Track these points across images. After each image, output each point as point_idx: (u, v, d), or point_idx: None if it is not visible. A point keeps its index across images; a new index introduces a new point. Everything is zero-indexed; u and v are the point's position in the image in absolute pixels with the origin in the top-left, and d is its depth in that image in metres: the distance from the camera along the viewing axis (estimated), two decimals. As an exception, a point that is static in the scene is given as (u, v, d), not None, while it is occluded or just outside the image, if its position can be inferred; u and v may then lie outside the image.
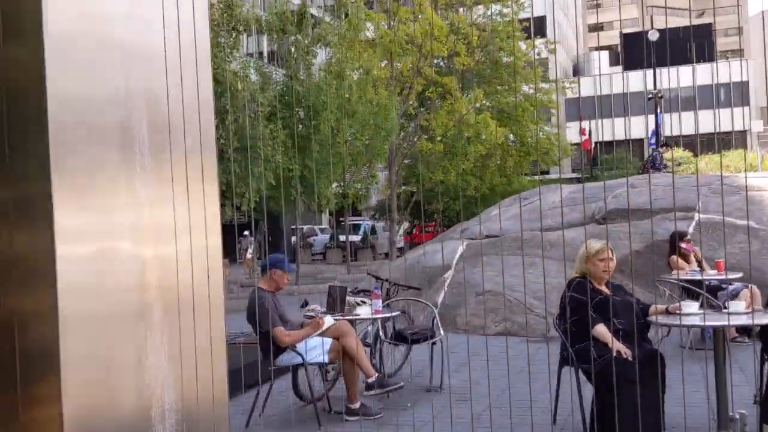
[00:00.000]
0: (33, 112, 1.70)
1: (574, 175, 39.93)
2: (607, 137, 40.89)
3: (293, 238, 28.43)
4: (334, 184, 18.38)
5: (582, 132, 33.36)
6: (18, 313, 1.97)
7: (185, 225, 2.09)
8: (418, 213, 26.86)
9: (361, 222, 32.39)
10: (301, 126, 16.88)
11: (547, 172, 39.61)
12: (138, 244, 2.07)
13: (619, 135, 39.84)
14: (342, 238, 27.28)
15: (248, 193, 14.41)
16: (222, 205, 14.47)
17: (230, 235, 23.55)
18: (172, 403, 2.06)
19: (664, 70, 35.00)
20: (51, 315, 1.88)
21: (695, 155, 32.40)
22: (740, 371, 6.25)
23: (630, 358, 4.53)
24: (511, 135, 28.05)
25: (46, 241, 1.82)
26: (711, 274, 7.79)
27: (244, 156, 14.23)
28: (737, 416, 4.64)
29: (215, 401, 2.21)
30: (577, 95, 40.06)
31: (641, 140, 42.21)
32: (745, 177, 11.82)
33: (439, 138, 24.20)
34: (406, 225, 29.99)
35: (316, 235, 33.52)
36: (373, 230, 30.84)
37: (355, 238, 28.79)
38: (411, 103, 24.06)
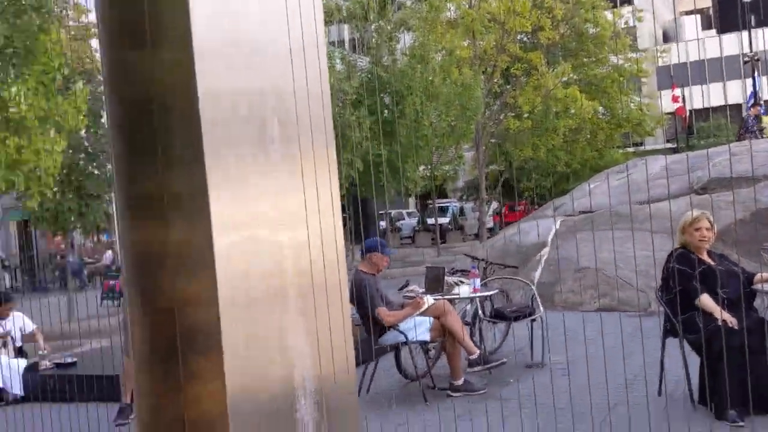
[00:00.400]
0: (186, 111, 1.84)
1: (669, 146, 38.55)
2: (703, 104, 39.28)
3: (382, 223, 28.79)
4: (421, 167, 18.49)
5: (674, 99, 32.13)
6: (177, 299, 2.16)
7: (314, 212, 2.27)
8: (507, 192, 26.64)
9: (448, 204, 32.36)
10: (386, 111, 17.08)
11: (641, 144, 38.42)
12: (274, 231, 2.25)
13: (715, 101, 38.17)
14: (430, 221, 27.38)
15: (340, 179, 14.73)
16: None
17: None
18: (310, 376, 2.24)
19: (760, 31, 33.21)
20: (212, 299, 2.05)
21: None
22: None
23: (736, 328, 4.48)
24: (601, 108, 27.36)
25: (205, 232, 1.99)
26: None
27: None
28: None
29: (346, 373, 2.40)
30: (669, 63, 38.54)
31: (739, 105, 40.28)
32: None
33: (526, 115, 23.89)
34: (495, 205, 29.78)
35: (404, 219, 33.73)
36: (462, 211, 30.75)
37: (444, 220, 28.79)
38: (496, 81, 23.83)
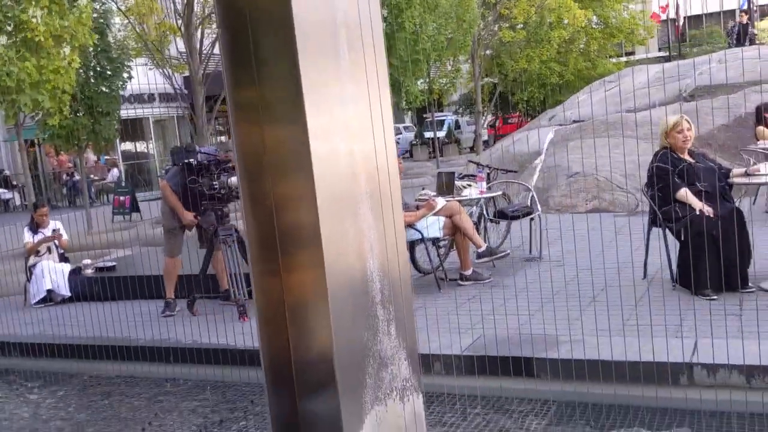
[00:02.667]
0: (281, 26, 2.30)
1: (661, 54, 38.60)
2: (696, 11, 39.10)
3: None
4: (420, 81, 18.79)
5: (663, 9, 32.06)
6: (277, 197, 2.66)
7: (378, 120, 2.84)
8: (502, 105, 26.97)
9: (444, 117, 32.69)
10: (384, 24, 17.27)
11: (633, 53, 38.43)
12: (349, 139, 2.75)
13: (707, 8, 37.99)
14: (427, 134, 27.76)
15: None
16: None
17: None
18: (377, 267, 2.81)
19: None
20: (311, 199, 2.60)
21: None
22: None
23: (713, 216, 5.15)
24: (594, 17, 27.45)
25: (301, 136, 2.47)
26: (796, 142, 8.11)
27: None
28: (811, 262, 5.24)
29: (402, 265, 3.01)
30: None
31: (733, 11, 40.05)
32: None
33: (520, 26, 24.04)
34: (489, 117, 30.14)
35: (401, 133, 34.12)
36: (457, 125, 31.12)
37: (440, 133, 29.23)
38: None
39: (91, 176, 20.86)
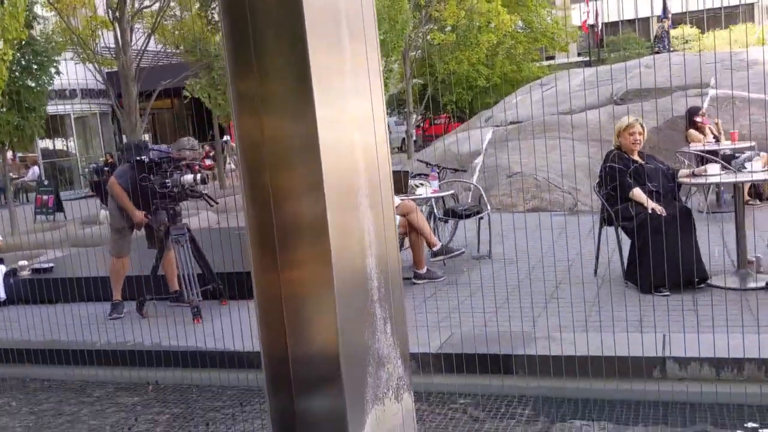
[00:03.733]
0: (291, 21, 2.26)
1: (581, 59, 39.80)
2: (614, 17, 40.54)
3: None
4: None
5: (588, 15, 33.16)
6: (276, 189, 2.59)
7: (380, 113, 2.83)
8: (430, 106, 27.22)
9: (373, 117, 32.66)
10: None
11: (553, 57, 39.50)
12: (350, 130, 2.73)
13: (623, 15, 39.44)
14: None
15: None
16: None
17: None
18: (375, 264, 2.79)
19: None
20: (319, 190, 2.54)
21: (703, 32, 32.33)
22: (753, 227, 7.09)
23: (663, 215, 5.35)
24: (520, 22, 28.06)
25: (310, 128, 2.41)
26: (726, 144, 8.52)
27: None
28: (754, 258, 5.51)
29: (394, 259, 3.03)
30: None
31: (647, 18, 41.66)
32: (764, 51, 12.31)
33: (448, 28, 24.33)
34: (417, 118, 30.40)
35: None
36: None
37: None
38: (421, -7, 24.08)
39: (10, 174, 19.96)
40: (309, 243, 2.47)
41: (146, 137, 22.59)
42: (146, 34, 13.43)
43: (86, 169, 21.96)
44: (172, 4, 13.82)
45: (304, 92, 2.33)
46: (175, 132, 24.79)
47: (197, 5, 15.17)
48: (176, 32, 15.37)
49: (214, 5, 15.15)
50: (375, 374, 2.91)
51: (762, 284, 5.14)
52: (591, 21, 34.78)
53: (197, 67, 14.25)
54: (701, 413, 3.51)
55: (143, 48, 12.62)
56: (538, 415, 3.66)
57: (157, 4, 13.59)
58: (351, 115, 2.63)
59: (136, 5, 12.94)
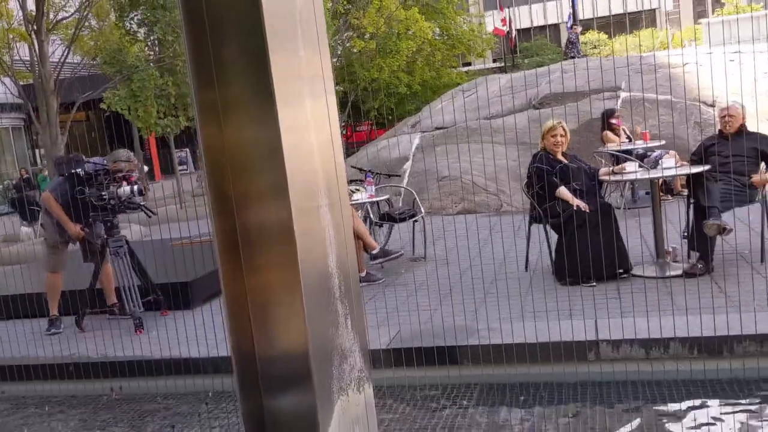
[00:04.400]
0: (251, 27, 2.43)
1: (497, 65, 40.88)
2: (525, 24, 41.86)
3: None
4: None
5: (503, 22, 34.17)
6: (239, 194, 2.73)
7: (334, 115, 3.02)
8: (352, 113, 27.46)
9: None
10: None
11: (470, 63, 40.43)
12: (308, 133, 2.91)
13: (537, 21, 40.83)
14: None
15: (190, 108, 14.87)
16: (174, 116, 14.94)
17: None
18: (335, 263, 2.98)
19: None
20: (283, 194, 2.70)
21: (610, 37, 33.85)
22: (667, 221, 7.58)
23: (588, 210, 5.70)
24: (438, 29, 28.67)
25: (273, 132, 2.59)
26: (639, 144, 9.05)
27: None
28: (671, 249, 5.93)
29: (352, 260, 3.22)
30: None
31: (557, 25, 43.13)
32: (668, 55, 13.06)
33: (367, 35, 24.65)
34: (340, 125, 30.56)
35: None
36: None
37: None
38: (340, 1, 24.32)
39: None
40: (275, 247, 2.63)
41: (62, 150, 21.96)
42: (64, 46, 13.16)
43: (1, 186, 21.19)
44: (89, 15, 13.57)
45: (265, 98, 2.47)
46: (92, 145, 24.16)
47: (114, 16, 14.95)
48: (92, 43, 15.08)
49: (133, 15, 14.97)
50: (339, 367, 3.09)
51: (679, 272, 5.54)
52: (505, 28, 35.82)
53: (118, 79, 14.04)
54: (635, 390, 3.81)
55: (62, 60, 12.36)
56: (485, 401, 3.89)
57: (76, 15, 13.33)
58: (308, 118, 2.80)
59: (52, 17, 12.66)
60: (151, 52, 14.84)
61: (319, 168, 3.25)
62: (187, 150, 25.11)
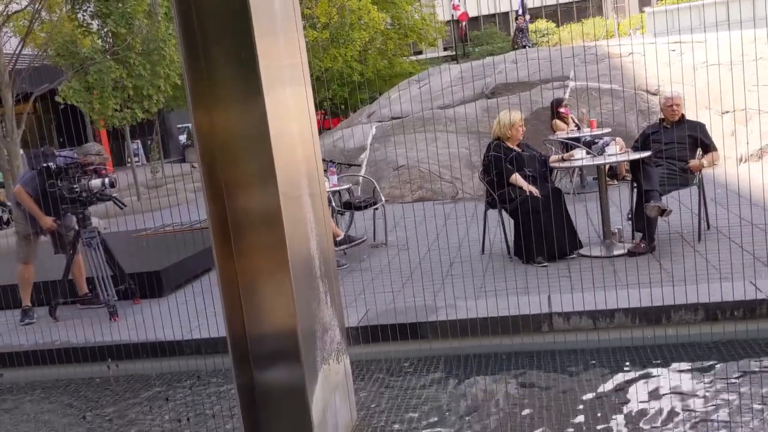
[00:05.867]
0: (241, 25, 2.39)
1: (448, 53, 41.32)
2: (473, 13, 42.38)
3: (181, 137, 29.01)
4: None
5: (455, 8, 34.57)
6: (229, 180, 2.93)
7: (311, 105, 3.22)
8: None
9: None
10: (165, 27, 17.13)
11: (421, 52, 40.75)
12: (291, 122, 3.15)
13: (485, 10, 41.39)
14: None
15: (156, 95, 14.88)
16: (130, 108, 14.92)
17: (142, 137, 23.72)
18: (316, 246, 3.21)
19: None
20: (271, 181, 2.83)
21: (557, 26, 34.59)
22: (612, 204, 8.04)
23: (539, 196, 6.09)
24: (389, 18, 28.92)
25: (261, 122, 2.76)
26: (586, 132, 9.51)
27: (148, 59, 14.62)
28: (616, 230, 6.37)
29: (330, 244, 3.44)
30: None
31: (507, 14, 43.72)
32: (607, 45, 13.58)
33: (320, 25, 24.77)
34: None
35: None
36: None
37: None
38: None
39: None
40: (265, 231, 2.88)
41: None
42: (17, 37, 13.07)
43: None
44: (38, 6, 13.45)
45: (253, 89, 2.68)
46: (43, 137, 23.81)
47: (67, 7, 14.83)
48: (43, 35, 14.95)
49: (86, 7, 14.88)
50: (321, 340, 3.39)
51: (623, 251, 5.98)
52: (455, 16, 36.25)
53: (72, 74, 13.98)
54: (584, 357, 4.21)
55: (18, 52, 12.28)
56: (450, 371, 4.24)
57: (30, 7, 13.24)
58: (291, 107, 3.04)
59: (2, 8, 12.54)
60: (105, 45, 14.78)
61: (301, 156, 3.51)
62: (138, 142, 24.98)
